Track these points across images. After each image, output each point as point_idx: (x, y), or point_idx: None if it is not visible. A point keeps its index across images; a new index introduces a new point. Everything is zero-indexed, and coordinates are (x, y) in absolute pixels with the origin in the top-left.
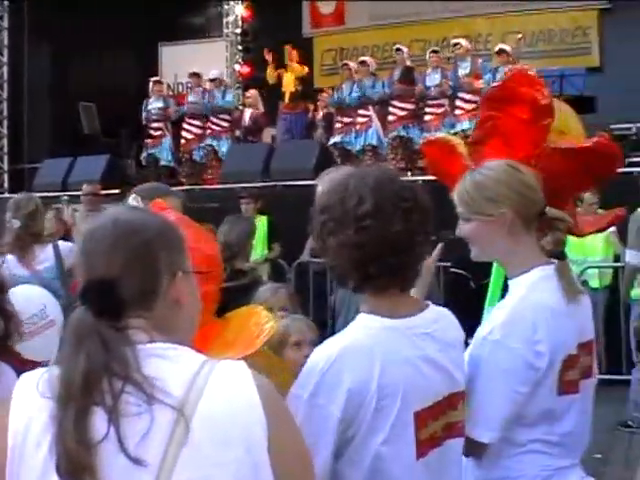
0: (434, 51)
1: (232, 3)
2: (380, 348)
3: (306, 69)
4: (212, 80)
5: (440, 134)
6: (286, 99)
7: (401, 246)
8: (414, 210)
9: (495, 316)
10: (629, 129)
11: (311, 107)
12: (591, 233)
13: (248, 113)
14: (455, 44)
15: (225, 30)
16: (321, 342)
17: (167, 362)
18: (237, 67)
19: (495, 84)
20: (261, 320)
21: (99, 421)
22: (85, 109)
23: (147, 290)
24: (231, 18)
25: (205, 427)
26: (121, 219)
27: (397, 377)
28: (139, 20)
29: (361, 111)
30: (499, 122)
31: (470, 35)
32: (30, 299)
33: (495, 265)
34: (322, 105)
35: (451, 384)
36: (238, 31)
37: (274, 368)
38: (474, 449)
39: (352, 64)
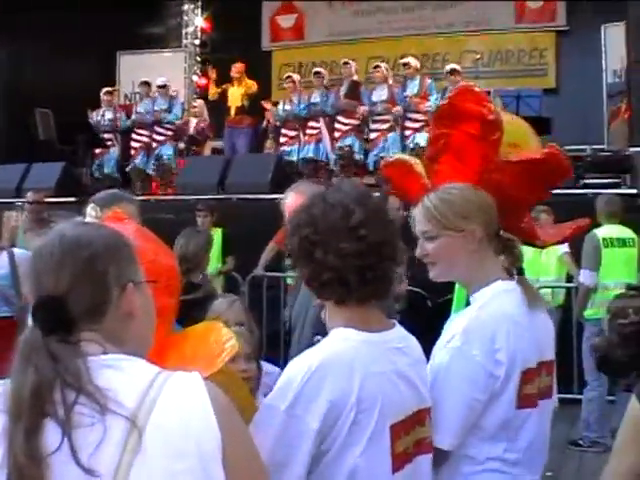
0: (377, 66)
1: (192, 14)
2: (360, 361)
3: (255, 86)
4: (161, 87)
5: (398, 154)
6: (232, 113)
7: (388, 254)
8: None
9: (456, 324)
10: (584, 150)
11: (260, 120)
12: (554, 244)
13: (193, 123)
14: (404, 64)
15: (184, 41)
16: (271, 355)
17: (120, 373)
18: (195, 78)
19: (442, 102)
20: (222, 338)
21: (51, 433)
22: (41, 115)
23: (96, 304)
24: (190, 29)
25: (158, 438)
26: (67, 235)
27: (375, 390)
28: (98, 27)
29: (311, 123)
30: (450, 139)
31: (427, 53)
32: None
33: (457, 286)
34: (269, 117)
35: (420, 400)
36: (197, 42)
37: (233, 384)
38: (434, 456)
39: (295, 76)
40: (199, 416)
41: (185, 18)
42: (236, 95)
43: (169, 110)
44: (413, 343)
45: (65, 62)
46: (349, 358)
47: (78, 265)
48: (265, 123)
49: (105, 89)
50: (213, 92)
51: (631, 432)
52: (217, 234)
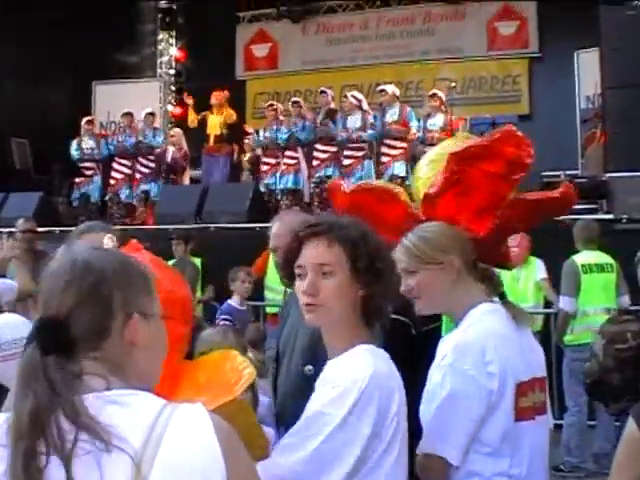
0: (382, 90)
1: (166, 44)
2: (395, 374)
3: (235, 115)
4: (150, 114)
5: (377, 181)
6: (210, 141)
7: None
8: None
9: (446, 343)
10: (558, 176)
11: (236, 149)
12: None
13: (170, 152)
14: (381, 90)
15: (159, 70)
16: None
17: (124, 409)
18: (170, 107)
19: (476, 143)
20: (238, 365)
21: (53, 465)
22: (18, 145)
23: (98, 328)
24: (165, 58)
25: (164, 475)
26: (79, 259)
27: (403, 400)
28: (73, 57)
29: (289, 152)
30: (465, 175)
31: (401, 81)
32: (8, 325)
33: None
34: (248, 148)
35: None
36: (172, 72)
37: (241, 411)
38: (435, 468)
39: (278, 105)
40: (205, 450)
41: (160, 47)
42: (215, 123)
43: (152, 143)
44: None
45: (40, 92)
46: (387, 370)
47: (83, 288)
48: (237, 156)
49: (86, 118)
50: (192, 119)
51: (628, 453)
52: (195, 263)
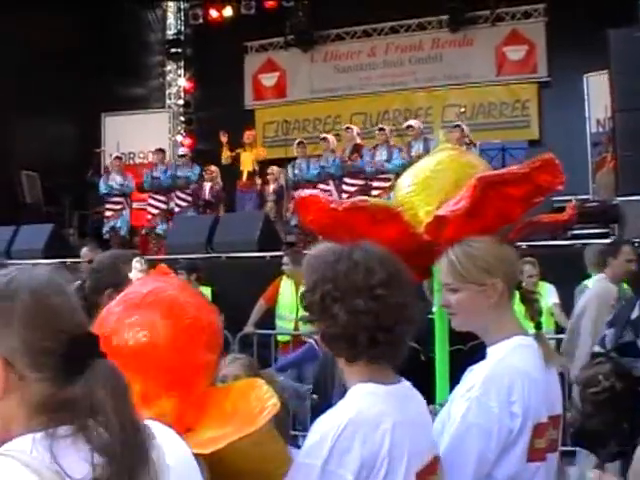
0: (381, 129)
1: (174, 75)
2: (385, 413)
3: (265, 153)
4: (181, 156)
5: (377, 200)
6: (244, 178)
7: (405, 316)
8: (409, 283)
9: (475, 374)
10: (570, 201)
11: (259, 181)
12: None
13: (207, 187)
14: (408, 126)
15: (167, 101)
16: None
17: None
18: (179, 138)
19: (512, 170)
20: (263, 395)
21: None
22: (28, 178)
23: None
24: (174, 89)
25: None
26: None
27: (403, 439)
28: (82, 89)
29: (322, 186)
30: (489, 201)
31: (410, 108)
32: None
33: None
34: (272, 179)
35: (433, 447)
36: (180, 102)
37: (270, 438)
38: None
39: (305, 142)
40: None
41: (168, 78)
42: (247, 160)
43: (189, 177)
44: (416, 392)
45: (50, 124)
46: (375, 412)
47: None
48: (260, 187)
49: (115, 154)
50: (226, 156)
51: None
52: (206, 292)
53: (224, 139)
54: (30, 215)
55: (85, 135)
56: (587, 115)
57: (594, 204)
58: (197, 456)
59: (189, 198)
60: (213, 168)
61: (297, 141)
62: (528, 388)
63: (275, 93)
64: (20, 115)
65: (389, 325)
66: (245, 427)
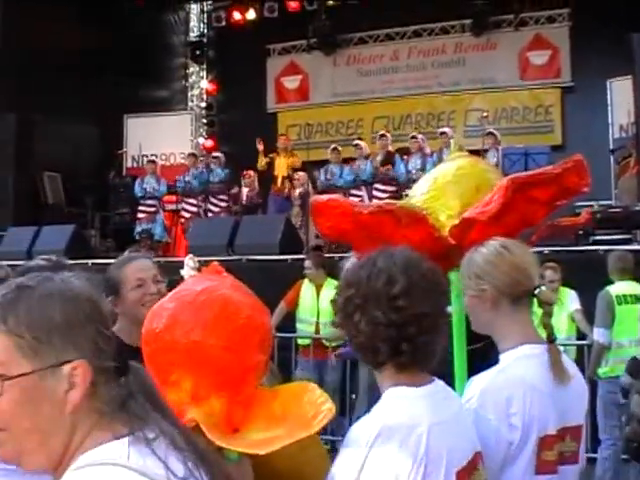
0: (413, 137)
1: (197, 77)
2: (419, 416)
3: (299, 161)
4: (215, 157)
5: (402, 203)
6: (278, 183)
7: (429, 326)
8: (439, 292)
9: (474, 385)
10: (592, 206)
11: (288, 185)
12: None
13: (245, 192)
14: (442, 133)
15: (190, 103)
16: None
17: None
18: (201, 140)
19: (544, 170)
20: (316, 399)
21: None
22: (50, 179)
23: None
24: (196, 91)
25: None
26: None
27: (440, 441)
28: (105, 91)
29: (354, 191)
30: (513, 203)
31: (432, 112)
32: None
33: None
34: (299, 184)
35: (473, 444)
36: (203, 105)
37: (312, 442)
38: None
39: (339, 147)
40: None
41: (190, 81)
42: (282, 165)
43: (221, 181)
44: (453, 393)
45: (72, 125)
46: (409, 415)
47: None
48: (287, 191)
49: (149, 157)
50: (263, 163)
51: None
52: None
53: (260, 147)
54: (52, 216)
55: (107, 137)
56: (610, 120)
57: (617, 209)
58: (247, 456)
59: (222, 204)
60: (251, 172)
61: (332, 147)
62: (530, 400)
63: (297, 96)
64: (42, 116)
65: (412, 335)
66: (299, 431)
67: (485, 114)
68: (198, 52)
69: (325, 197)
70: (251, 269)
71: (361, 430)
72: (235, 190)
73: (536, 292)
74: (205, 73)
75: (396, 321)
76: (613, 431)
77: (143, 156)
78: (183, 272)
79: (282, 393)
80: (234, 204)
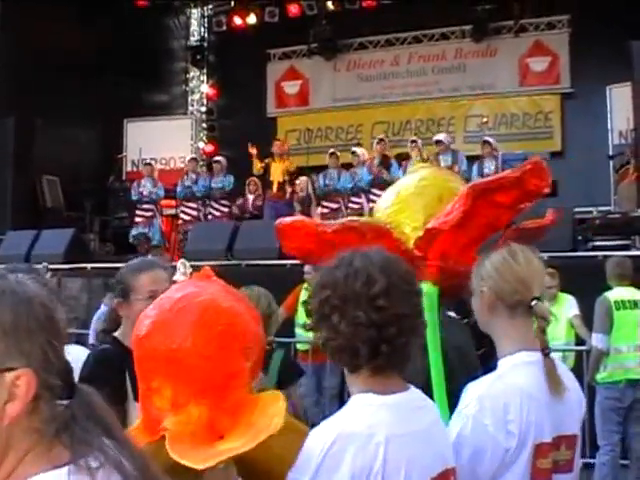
0: (413, 141)
1: (197, 81)
2: (381, 426)
3: (294, 166)
4: (216, 162)
5: (364, 219)
6: (274, 188)
7: (408, 327)
8: (413, 293)
9: (472, 391)
10: (591, 212)
11: (289, 190)
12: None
13: (251, 200)
14: (437, 141)
15: (190, 108)
16: None
17: None
18: (202, 145)
19: (505, 175)
20: (274, 411)
21: None
22: (49, 183)
23: None
24: (196, 96)
25: None
26: None
27: (400, 453)
28: (105, 95)
29: (353, 198)
30: (476, 210)
31: (432, 118)
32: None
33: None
34: (299, 188)
35: (444, 460)
36: (203, 109)
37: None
38: None
39: (337, 153)
40: None
41: (191, 85)
42: (278, 171)
43: (223, 187)
44: (430, 403)
45: (72, 129)
46: (369, 424)
47: None
48: (288, 196)
49: (146, 161)
50: (258, 167)
51: None
52: None
53: (253, 151)
54: (51, 220)
55: (107, 140)
56: (609, 127)
57: (616, 215)
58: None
59: (224, 209)
60: (255, 180)
61: (330, 151)
62: (528, 407)
63: (298, 101)
64: (42, 120)
65: (392, 336)
66: (250, 442)
67: (485, 120)
68: (199, 56)
69: (289, 219)
70: (250, 274)
71: (318, 436)
72: (240, 201)
73: (532, 304)
74: (205, 77)
75: (377, 321)
76: (611, 437)
77: (143, 160)
78: (175, 277)
79: (260, 401)
80: (242, 213)
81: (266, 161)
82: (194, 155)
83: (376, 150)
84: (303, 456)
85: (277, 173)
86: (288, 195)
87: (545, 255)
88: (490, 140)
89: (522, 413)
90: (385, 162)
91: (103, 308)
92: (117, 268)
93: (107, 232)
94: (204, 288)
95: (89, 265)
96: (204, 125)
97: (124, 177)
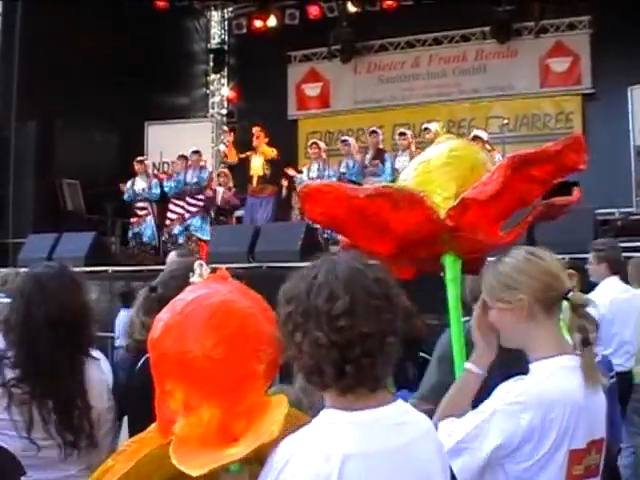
0: (402, 133)
1: (218, 84)
2: (340, 444)
3: (275, 152)
4: (195, 152)
5: (398, 185)
6: (254, 182)
7: (373, 347)
8: (384, 309)
9: (519, 385)
10: (613, 214)
11: (285, 186)
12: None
13: (220, 193)
14: (425, 128)
15: (211, 110)
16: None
17: None
18: (222, 147)
19: (545, 148)
20: (274, 418)
21: None
22: (70, 186)
23: None
24: (217, 99)
25: None
26: None
27: (359, 473)
28: (126, 98)
29: None
30: (510, 183)
31: (453, 119)
32: None
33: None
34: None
35: (426, 477)
36: (224, 112)
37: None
38: None
39: (321, 144)
40: None
41: (211, 88)
42: (258, 165)
43: (199, 181)
44: (416, 417)
45: (93, 133)
46: (325, 444)
47: None
48: (285, 192)
49: (138, 158)
50: (233, 155)
51: None
52: None
53: (230, 138)
54: (72, 223)
55: (128, 144)
56: (631, 127)
57: (638, 216)
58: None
59: (200, 204)
60: (225, 171)
61: (310, 142)
62: (570, 411)
63: (318, 103)
64: (63, 123)
65: (356, 357)
66: (248, 448)
67: (506, 121)
68: (219, 59)
69: (317, 182)
70: (272, 276)
71: (277, 453)
72: (209, 193)
73: (569, 295)
74: (226, 80)
75: (338, 342)
76: (633, 438)
77: (164, 163)
78: (192, 278)
79: (270, 404)
80: (210, 206)
81: (247, 154)
82: (182, 153)
83: (370, 143)
84: (265, 470)
85: (257, 167)
86: (271, 191)
87: (567, 256)
88: (480, 134)
89: (564, 416)
90: (379, 155)
91: (125, 312)
92: (139, 271)
93: (128, 235)
94: (217, 290)
95: (110, 268)
96: (224, 128)
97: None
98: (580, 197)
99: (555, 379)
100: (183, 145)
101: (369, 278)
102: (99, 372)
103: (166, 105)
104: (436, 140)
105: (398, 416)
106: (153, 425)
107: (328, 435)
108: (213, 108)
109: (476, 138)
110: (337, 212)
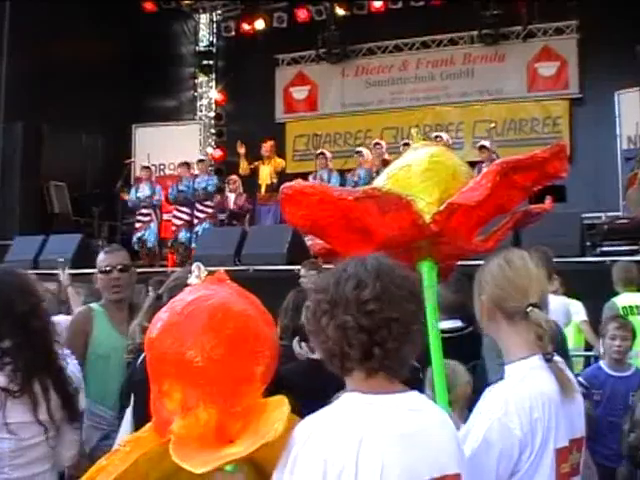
0: (406, 144)
1: (206, 87)
2: (360, 425)
3: (284, 163)
4: (200, 161)
5: (386, 188)
6: (262, 191)
7: (400, 332)
8: (409, 300)
9: (496, 393)
10: (599, 218)
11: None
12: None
13: (232, 198)
14: (436, 136)
15: (199, 113)
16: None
17: None
18: (210, 150)
19: (533, 154)
20: (277, 417)
21: None
22: (56, 189)
23: None
24: (205, 101)
25: None
26: None
27: (376, 454)
28: (113, 101)
29: None
30: (496, 189)
31: (441, 123)
32: None
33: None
34: None
35: (440, 466)
36: (212, 114)
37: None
38: None
39: (327, 154)
40: None
41: (199, 90)
42: (266, 173)
43: (206, 188)
44: (431, 407)
45: (80, 135)
46: (348, 423)
47: None
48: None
49: (143, 164)
50: (244, 167)
51: None
52: None
53: (241, 150)
54: (59, 225)
55: (115, 146)
56: (618, 132)
57: (624, 221)
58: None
59: (208, 210)
60: (235, 178)
61: (318, 152)
62: (549, 410)
63: (306, 106)
64: (49, 125)
65: (383, 339)
66: (250, 447)
67: (493, 125)
68: (207, 62)
69: (300, 184)
70: (258, 279)
71: (297, 431)
72: (218, 199)
73: (528, 311)
74: (214, 83)
75: (366, 326)
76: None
77: (152, 166)
78: (189, 280)
79: (268, 406)
80: (221, 212)
81: (255, 164)
82: (186, 160)
83: (375, 155)
84: (285, 451)
85: (264, 175)
86: (278, 197)
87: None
88: (487, 144)
89: (545, 416)
90: (386, 166)
91: None
92: None
93: (115, 237)
94: (216, 292)
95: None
96: (212, 130)
97: (132, 182)
98: (553, 206)
99: (529, 380)
100: (171, 148)
101: (396, 273)
102: None
103: (154, 107)
104: (412, 146)
105: (414, 403)
106: (148, 425)
107: (347, 416)
108: (201, 111)
109: (482, 148)
110: (319, 215)
